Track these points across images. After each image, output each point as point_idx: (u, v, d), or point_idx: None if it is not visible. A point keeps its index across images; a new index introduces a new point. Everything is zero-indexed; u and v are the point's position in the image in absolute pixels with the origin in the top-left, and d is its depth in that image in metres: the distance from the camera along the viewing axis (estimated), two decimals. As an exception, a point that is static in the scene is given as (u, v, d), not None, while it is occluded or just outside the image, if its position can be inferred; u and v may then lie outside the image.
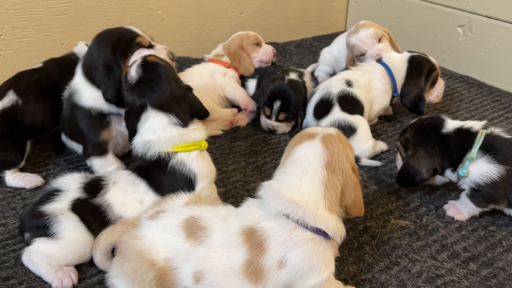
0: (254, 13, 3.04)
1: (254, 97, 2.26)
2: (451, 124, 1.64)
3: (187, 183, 1.41)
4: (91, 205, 1.36)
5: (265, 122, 2.12)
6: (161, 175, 1.39)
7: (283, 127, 2.11)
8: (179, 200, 1.30)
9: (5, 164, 1.69)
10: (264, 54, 2.37)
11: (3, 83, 1.79)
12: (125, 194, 1.39)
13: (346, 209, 1.20)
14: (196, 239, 1.15)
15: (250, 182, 1.79)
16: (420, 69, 2.06)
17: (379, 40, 2.20)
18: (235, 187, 1.76)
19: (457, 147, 1.59)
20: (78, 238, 1.32)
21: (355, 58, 2.27)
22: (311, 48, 3.16)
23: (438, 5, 2.82)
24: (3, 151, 1.68)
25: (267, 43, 3.12)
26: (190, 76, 2.10)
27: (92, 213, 1.35)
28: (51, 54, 2.37)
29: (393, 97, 2.10)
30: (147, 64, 1.44)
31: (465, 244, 1.52)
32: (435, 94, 2.11)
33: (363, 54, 2.22)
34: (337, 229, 1.15)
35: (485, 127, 1.59)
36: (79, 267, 1.36)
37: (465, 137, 1.58)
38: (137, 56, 1.54)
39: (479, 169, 1.54)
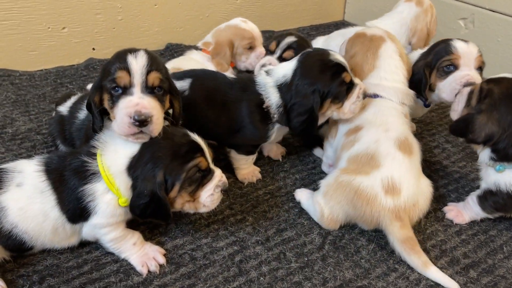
0: (250, 0, 2.92)
1: None
2: None
3: (81, 213, 1.25)
4: None
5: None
6: (71, 190, 1.23)
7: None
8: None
9: None
10: (250, 64, 2.14)
11: None
12: (28, 201, 1.21)
13: None
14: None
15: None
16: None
17: None
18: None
19: None
20: None
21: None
22: (307, 37, 3.04)
23: (440, -4, 2.74)
24: None
25: (262, 31, 3.03)
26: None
27: None
28: (36, 37, 2.27)
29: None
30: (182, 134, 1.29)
31: (465, 250, 1.47)
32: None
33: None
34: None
35: None
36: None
37: None
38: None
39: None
